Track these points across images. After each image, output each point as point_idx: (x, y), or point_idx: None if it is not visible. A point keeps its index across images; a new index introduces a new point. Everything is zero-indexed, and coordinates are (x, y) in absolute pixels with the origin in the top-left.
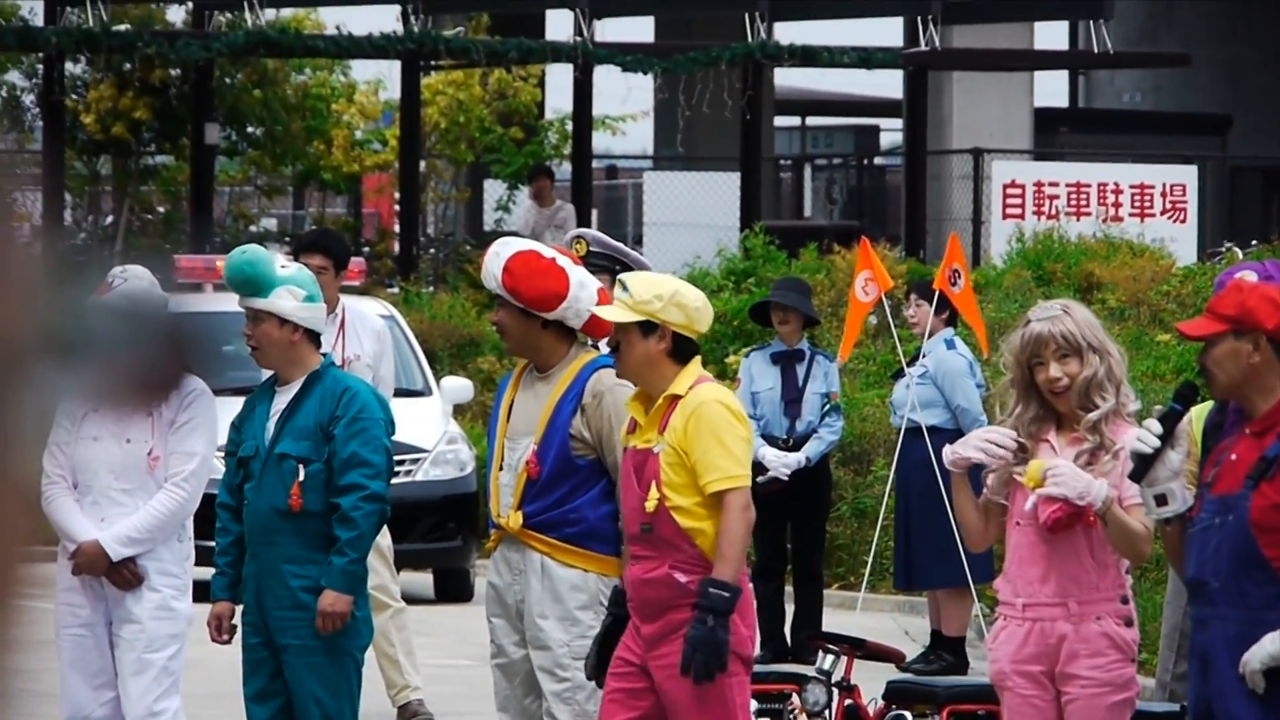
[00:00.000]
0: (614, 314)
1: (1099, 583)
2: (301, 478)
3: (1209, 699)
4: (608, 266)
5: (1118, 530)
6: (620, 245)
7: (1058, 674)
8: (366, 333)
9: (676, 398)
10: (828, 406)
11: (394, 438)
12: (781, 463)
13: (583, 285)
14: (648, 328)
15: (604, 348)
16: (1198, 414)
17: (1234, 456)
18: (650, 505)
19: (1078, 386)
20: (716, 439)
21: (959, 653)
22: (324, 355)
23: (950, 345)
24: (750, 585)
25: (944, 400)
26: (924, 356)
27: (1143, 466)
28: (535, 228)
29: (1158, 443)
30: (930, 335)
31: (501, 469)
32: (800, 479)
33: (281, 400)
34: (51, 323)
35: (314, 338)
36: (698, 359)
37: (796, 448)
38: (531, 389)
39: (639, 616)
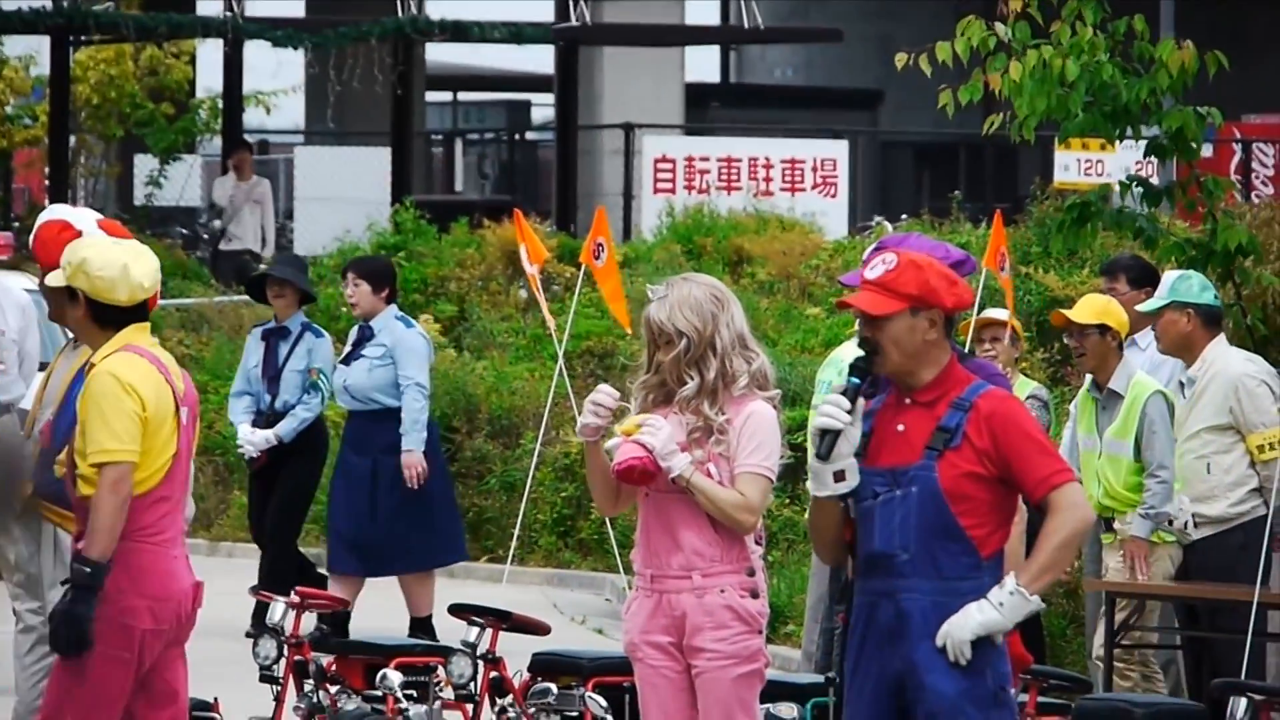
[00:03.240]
0: (54, 278)
1: (723, 555)
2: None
3: (902, 672)
4: None
5: (706, 500)
6: None
7: (685, 646)
8: (11, 307)
9: (91, 365)
10: (309, 383)
11: None
12: (248, 440)
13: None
14: (70, 293)
15: None
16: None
17: (901, 427)
18: (59, 470)
19: (668, 367)
20: (98, 411)
21: (430, 632)
22: None
23: (408, 324)
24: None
25: (397, 380)
26: (373, 336)
27: (830, 443)
28: (234, 201)
29: (849, 419)
30: (373, 313)
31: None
32: (283, 454)
33: None
34: None
35: None
36: (132, 327)
37: (273, 424)
38: (66, 358)
39: None
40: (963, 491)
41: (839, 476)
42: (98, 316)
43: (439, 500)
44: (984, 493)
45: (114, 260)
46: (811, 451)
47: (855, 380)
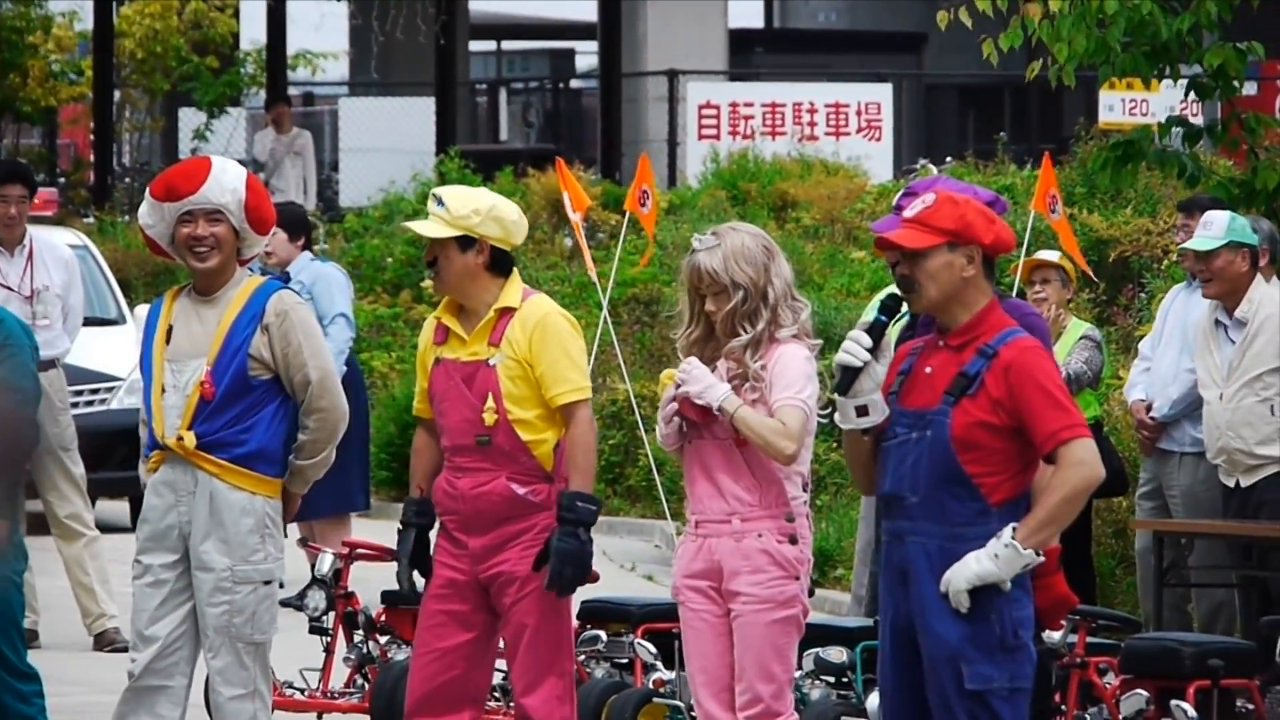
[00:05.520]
0: (432, 229)
1: (761, 500)
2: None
3: (910, 614)
4: None
5: (747, 429)
6: None
7: (724, 590)
8: (55, 263)
9: (510, 310)
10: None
11: (88, 366)
12: None
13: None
14: (465, 242)
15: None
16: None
17: (929, 369)
18: (489, 418)
19: (721, 319)
20: (564, 351)
21: None
22: None
23: (324, 261)
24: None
25: (320, 317)
26: (290, 280)
27: (849, 379)
28: (275, 154)
29: (868, 356)
30: (289, 262)
31: (164, 391)
32: None
33: None
34: None
35: None
36: (516, 271)
37: None
38: (193, 312)
39: (466, 530)
40: (974, 440)
41: (861, 411)
42: (495, 263)
43: (355, 443)
44: (997, 442)
45: (513, 207)
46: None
47: (882, 318)
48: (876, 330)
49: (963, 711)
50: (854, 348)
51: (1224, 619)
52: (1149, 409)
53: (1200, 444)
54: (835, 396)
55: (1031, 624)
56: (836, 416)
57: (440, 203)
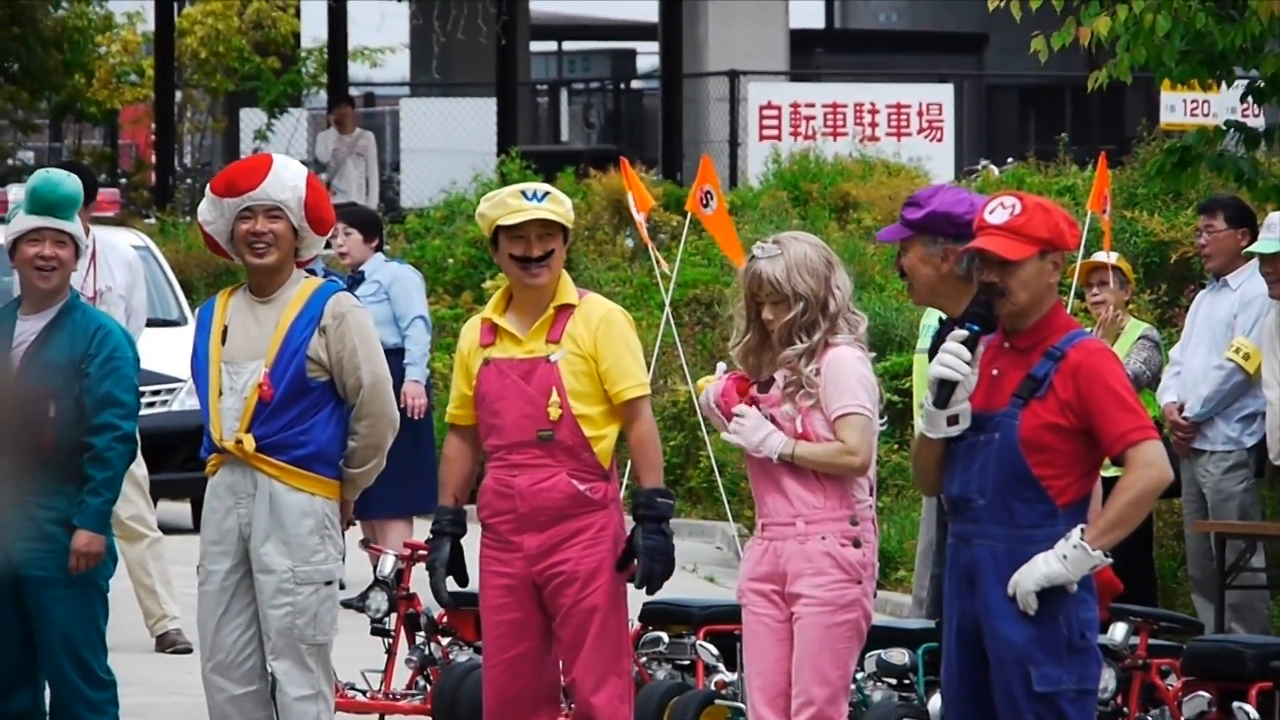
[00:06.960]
0: (560, 216)
1: (825, 502)
2: (52, 413)
3: (976, 616)
4: None
5: (814, 464)
6: None
7: (786, 593)
8: (118, 264)
9: (569, 306)
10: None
11: (150, 367)
12: None
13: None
14: (566, 235)
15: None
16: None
17: (995, 372)
18: (554, 412)
19: (779, 329)
20: (627, 347)
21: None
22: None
23: (400, 262)
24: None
25: (396, 318)
26: (364, 279)
27: (948, 392)
28: (337, 155)
29: (969, 369)
30: (363, 262)
31: (221, 394)
32: None
33: (26, 329)
34: None
35: None
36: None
37: None
38: (249, 313)
39: (520, 529)
40: (1043, 442)
41: (953, 420)
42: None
43: (426, 444)
44: (1065, 444)
45: None
46: (927, 396)
47: (975, 327)
48: (971, 341)
49: (1030, 714)
50: (954, 361)
51: (1259, 618)
52: (1181, 410)
53: (1233, 442)
54: (928, 408)
55: (1097, 625)
56: (923, 425)
57: (541, 197)
